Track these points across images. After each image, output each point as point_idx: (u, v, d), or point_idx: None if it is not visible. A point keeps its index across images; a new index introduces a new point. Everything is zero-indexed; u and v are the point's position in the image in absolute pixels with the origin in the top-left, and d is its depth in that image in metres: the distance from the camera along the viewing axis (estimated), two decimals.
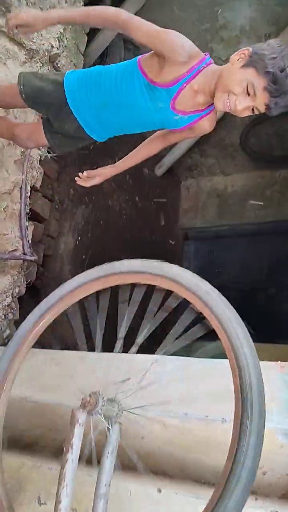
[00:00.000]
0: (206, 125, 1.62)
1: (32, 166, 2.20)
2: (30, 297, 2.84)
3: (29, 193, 2.07)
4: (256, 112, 1.44)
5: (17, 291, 2.35)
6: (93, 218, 3.71)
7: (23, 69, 2.01)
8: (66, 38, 2.33)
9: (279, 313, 4.21)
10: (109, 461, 1.08)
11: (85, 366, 1.63)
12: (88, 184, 1.79)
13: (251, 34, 3.38)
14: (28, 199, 2.23)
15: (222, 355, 1.05)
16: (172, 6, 3.25)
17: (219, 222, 4.84)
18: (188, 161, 4.79)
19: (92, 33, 2.85)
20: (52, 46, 2.19)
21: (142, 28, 1.42)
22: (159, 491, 1.24)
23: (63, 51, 2.31)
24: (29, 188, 2.05)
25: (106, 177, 1.80)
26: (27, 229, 2.38)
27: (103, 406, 1.08)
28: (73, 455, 1.02)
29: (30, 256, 2.46)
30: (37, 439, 1.60)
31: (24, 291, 2.48)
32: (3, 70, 1.94)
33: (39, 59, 2.12)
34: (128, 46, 3.39)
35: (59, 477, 1.02)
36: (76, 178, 1.79)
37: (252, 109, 1.43)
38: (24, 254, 2.40)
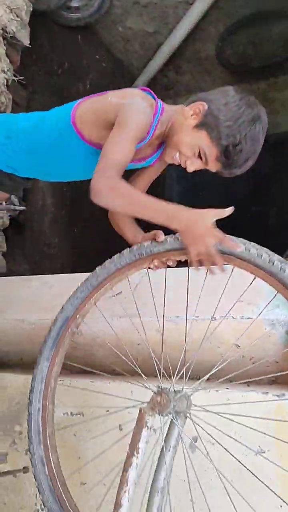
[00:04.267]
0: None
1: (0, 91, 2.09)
2: (15, 232, 2.84)
3: None
4: None
5: (1, 223, 2.34)
6: None
7: None
8: None
9: (265, 229, 4.26)
10: (170, 455, 1.02)
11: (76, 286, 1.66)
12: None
13: None
14: None
15: None
16: None
17: None
18: (164, 80, 4.60)
19: None
20: None
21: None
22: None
23: None
24: None
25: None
26: None
27: (174, 406, 1.00)
28: (138, 460, 0.97)
29: (19, 206, 2.44)
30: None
31: (8, 222, 2.47)
32: None
33: None
34: None
35: (120, 480, 0.98)
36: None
37: None
38: (13, 203, 2.37)
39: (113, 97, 1.31)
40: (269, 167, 4.52)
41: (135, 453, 0.96)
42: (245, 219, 4.55)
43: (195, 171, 1.34)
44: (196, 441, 1.27)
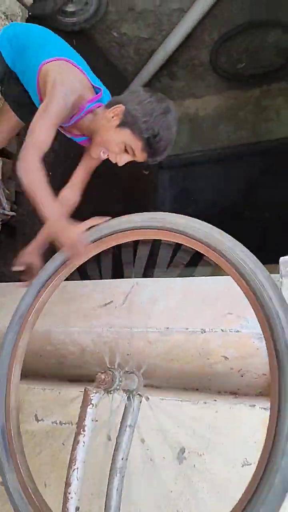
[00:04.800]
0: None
1: None
2: (7, 235, 2.83)
3: None
4: None
5: None
6: (63, 149, 3.60)
7: None
8: None
9: (257, 233, 4.30)
10: (127, 435, 1.05)
11: (67, 296, 1.67)
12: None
13: None
14: None
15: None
16: None
17: (192, 148, 4.77)
18: (157, 85, 4.62)
19: None
20: None
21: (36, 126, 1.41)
22: (147, 398, 1.33)
23: None
24: None
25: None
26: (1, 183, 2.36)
27: (120, 382, 1.02)
28: (85, 437, 0.98)
29: (8, 211, 2.46)
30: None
31: (0, 227, 2.46)
32: None
33: None
34: None
35: (69, 458, 0.98)
36: None
37: None
38: (3, 208, 2.40)
39: (55, 75, 1.47)
40: (261, 173, 4.56)
41: (81, 431, 0.98)
42: (236, 224, 4.61)
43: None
44: (184, 452, 1.29)
